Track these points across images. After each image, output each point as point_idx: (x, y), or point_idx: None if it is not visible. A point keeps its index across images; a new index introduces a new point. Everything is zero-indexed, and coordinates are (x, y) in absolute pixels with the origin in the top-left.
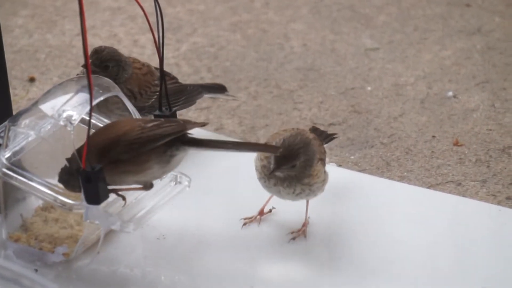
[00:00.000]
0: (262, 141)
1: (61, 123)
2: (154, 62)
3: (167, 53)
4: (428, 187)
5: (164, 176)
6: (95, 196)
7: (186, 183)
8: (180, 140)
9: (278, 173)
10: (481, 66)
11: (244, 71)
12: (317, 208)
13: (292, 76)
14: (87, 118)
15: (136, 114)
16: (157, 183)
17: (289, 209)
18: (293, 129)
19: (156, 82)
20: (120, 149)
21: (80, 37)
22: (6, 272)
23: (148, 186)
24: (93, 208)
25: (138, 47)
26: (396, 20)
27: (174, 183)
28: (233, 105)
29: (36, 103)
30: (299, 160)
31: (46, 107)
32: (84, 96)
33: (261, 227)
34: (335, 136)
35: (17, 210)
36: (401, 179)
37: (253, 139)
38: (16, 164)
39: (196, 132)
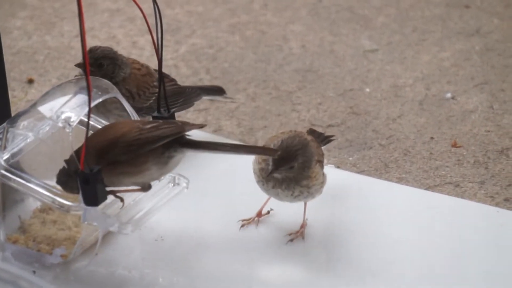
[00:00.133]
0: (260, 142)
1: (60, 124)
2: (153, 64)
3: (166, 55)
4: (427, 189)
5: (162, 178)
6: (93, 198)
7: (184, 184)
8: (178, 142)
9: (276, 174)
10: (480, 67)
11: (242, 72)
12: (315, 210)
13: (290, 78)
14: (86, 119)
15: (134, 115)
16: (155, 184)
17: (287, 210)
18: (291, 131)
19: (154, 83)
20: (118, 151)
21: (79, 39)
22: (4, 274)
23: (146, 187)
24: (91, 209)
25: (137, 49)
26: (395, 21)
27: (172, 184)
28: (232, 106)
29: (34, 105)
30: (297, 162)
31: (45, 108)
32: (82, 97)
33: (259, 229)
34: (333, 138)
35: (15, 211)
36: (400, 180)
37: (251, 141)
38: (14, 166)
39: (194, 134)
